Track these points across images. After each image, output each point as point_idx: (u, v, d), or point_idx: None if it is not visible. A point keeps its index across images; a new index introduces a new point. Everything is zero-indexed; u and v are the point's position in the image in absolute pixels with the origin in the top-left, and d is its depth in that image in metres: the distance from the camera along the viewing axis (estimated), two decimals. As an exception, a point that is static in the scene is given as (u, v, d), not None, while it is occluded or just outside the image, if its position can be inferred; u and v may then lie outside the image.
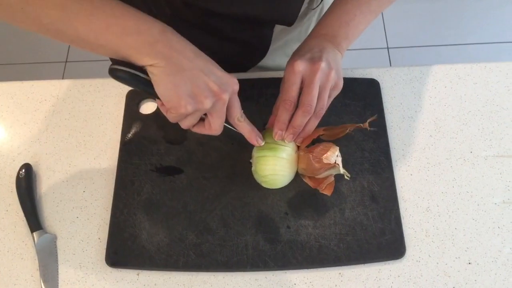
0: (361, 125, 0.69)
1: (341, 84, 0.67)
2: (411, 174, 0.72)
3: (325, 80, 0.64)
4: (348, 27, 0.69)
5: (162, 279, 0.67)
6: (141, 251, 0.68)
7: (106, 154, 0.77)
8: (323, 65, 0.63)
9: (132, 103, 0.80)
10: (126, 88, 0.81)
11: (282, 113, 0.65)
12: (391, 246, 0.67)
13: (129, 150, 0.75)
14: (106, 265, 0.68)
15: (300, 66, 0.64)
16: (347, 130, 0.69)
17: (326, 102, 0.65)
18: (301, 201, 0.70)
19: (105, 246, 0.69)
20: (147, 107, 0.80)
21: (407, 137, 0.75)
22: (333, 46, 0.68)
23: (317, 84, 0.63)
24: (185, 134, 0.77)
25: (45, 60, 1.99)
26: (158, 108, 0.79)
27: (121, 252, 0.68)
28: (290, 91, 0.64)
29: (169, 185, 0.73)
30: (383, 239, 0.67)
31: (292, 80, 0.64)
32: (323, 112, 0.66)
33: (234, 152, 0.74)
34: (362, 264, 0.67)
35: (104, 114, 0.80)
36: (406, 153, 0.74)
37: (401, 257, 0.66)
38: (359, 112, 0.77)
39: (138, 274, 0.68)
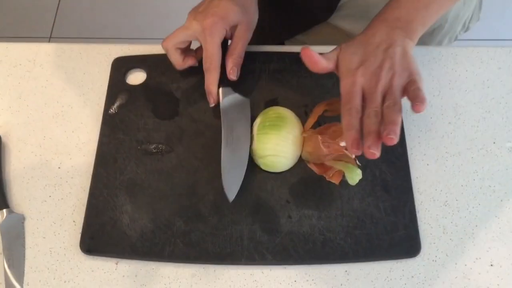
0: None
1: (413, 73, 0.55)
2: (427, 164, 0.65)
3: (389, 85, 0.54)
4: (427, 12, 0.59)
5: (144, 270, 0.59)
6: (122, 237, 0.60)
7: (86, 127, 0.68)
8: (383, 74, 0.55)
9: (119, 72, 0.71)
10: (112, 55, 0.73)
11: (350, 120, 0.54)
12: (405, 243, 0.59)
13: (112, 124, 0.67)
14: (81, 251, 0.59)
15: (359, 81, 0.55)
16: None
17: (397, 96, 0.53)
18: (305, 189, 0.63)
19: (80, 230, 0.60)
20: (135, 77, 0.71)
21: (423, 123, 0.68)
22: (405, 35, 0.58)
23: (379, 94, 0.54)
24: (176, 108, 0.68)
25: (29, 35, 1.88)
26: (147, 79, 0.70)
27: (99, 237, 0.60)
28: (353, 100, 0.55)
29: (156, 165, 0.64)
30: (395, 235, 0.60)
31: (352, 93, 0.55)
32: (397, 104, 0.53)
33: (231, 131, 0.66)
34: (372, 262, 0.59)
35: (86, 83, 0.71)
36: (422, 140, 0.67)
37: (416, 256, 0.59)
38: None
39: (116, 263, 0.59)
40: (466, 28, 0.86)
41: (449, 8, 0.61)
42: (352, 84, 0.55)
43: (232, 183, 0.60)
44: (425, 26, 0.60)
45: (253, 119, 0.65)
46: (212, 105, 0.66)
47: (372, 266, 0.59)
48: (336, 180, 0.61)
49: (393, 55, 0.56)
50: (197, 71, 0.70)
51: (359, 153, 0.52)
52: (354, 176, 0.59)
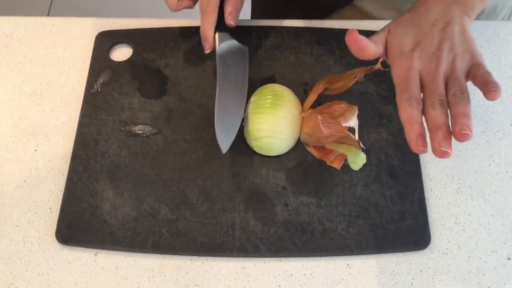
0: (373, 66, 0.54)
1: (476, 55, 0.48)
2: None
3: (450, 70, 0.47)
4: None
5: (125, 261, 0.54)
6: (102, 226, 0.54)
7: (66, 107, 0.62)
8: (444, 57, 0.47)
9: (102, 47, 0.65)
10: (95, 30, 0.67)
11: (411, 112, 0.46)
12: (413, 234, 0.54)
13: (94, 103, 0.62)
14: (57, 241, 0.54)
15: (416, 65, 0.48)
16: (356, 78, 0.55)
17: (463, 83, 0.46)
18: (303, 174, 0.57)
19: (56, 218, 0.55)
20: (120, 53, 0.66)
21: None
22: (463, 11, 0.50)
23: (441, 81, 0.47)
24: (164, 87, 0.63)
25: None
26: (133, 54, 0.65)
27: (76, 226, 0.55)
28: (411, 88, 0.47)
29: (141, 147, 0.59)
30: (403, 225, 0.54)
31: (409, 79, 0.48)
32: (465, 92, 0.46)
33: (224, 111, 0.61)
34: (376, 254, 0.54)
35: (67, 59, 0.66)
36: None
37: (425, 248, 0.54)
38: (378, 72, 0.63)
39: (95, 255, 0.54)
40: None
41: None
42: (408, 69, 0.48)
43: (226, 132, 0.55)
44: (484, 1, 0.52)
45: (247, 96, 0.59)
46: (207, 51, 0.60)
47: (376, 259, 0.54)
48: (337, 165, 0.55)
49: (452, 34, 0.48)
50: (187, 47, 0.64)
51: (426, 151, 0.44)
52: (358, 160, 0.54)
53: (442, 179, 0.58)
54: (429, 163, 0.59)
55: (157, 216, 0.55)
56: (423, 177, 0.57)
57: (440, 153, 0.43)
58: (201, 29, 0.59)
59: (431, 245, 0.54)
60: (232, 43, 0.61)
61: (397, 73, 0.48)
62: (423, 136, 0.44)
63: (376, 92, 0.62)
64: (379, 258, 0.54)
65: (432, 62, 0.47)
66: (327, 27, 0.67)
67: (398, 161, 0.58)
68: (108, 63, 0.64)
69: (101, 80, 0.63)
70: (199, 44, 0.59)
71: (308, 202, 0.56)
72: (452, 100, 0.45)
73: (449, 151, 0.43)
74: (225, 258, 0.54)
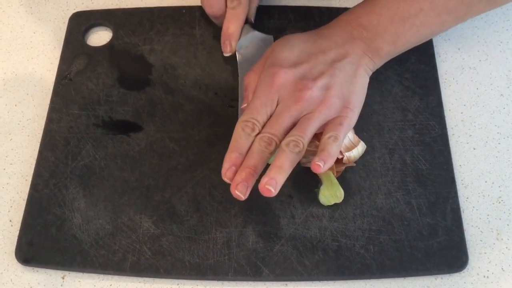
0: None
1: (351, 117, 0.44)
2: (474, 148, 0.51)
3: (308, 111, 0.43)
4: (403, 27, 0.46)
5: (99, 286, 0.45)
6: (71, 242, 0.46)
7: (33, 100, 0.54)
8: (310, 94, 0.43)
9: (77, 30, 0.57)
10: (70, 10, 0.59)
11: (239, 138, 0.44)
12: (446, 253, 0.45)
13: (66, 95, 0.53)
14: (17, 261, 0.46)
15: (277, 88, 0.44)
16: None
17: (306, 134, 0.42)
18: (313, 180, 0.48)
19: (17, 233, 0.47)
20: (98, 37, 0.58)
21: (468, 95, 0.54)
22: (366, 51, 0.47)
23: (287, 117, 0.43)
24: (148, 76, 0.54)
25: None
26: (112, 39, 0.56)
27: (40, 242, 0.46)
28: (257, 111, 0.44)
29: (120, 148, 0.50)
30: (433, 242, 0.46)
31: (261, 99, 0.44)
32: (299, 145, 0.42)
33: (218, 105, 0.53)
34: (402, 278, 0.45)
35: (36, 44, 0.58)
36: (466, 117, 0.52)
37: (461, 270, 0.45)
38: (399, 57, 0.54)
39: (63, 278, 0.46)
40: None
41: (436, 31, 0.49)
42: (268, 88, 0.44)
43: None
44: (397, 46, 0.47)
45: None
46: (227, 54, 0.53)
47: (402, 283, 0.45)
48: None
49: (338, 72, 0.45)
50: (176, 30, 0.56)
51: (234, 187, 0.41)
52: (330, 195, 0.46)
53: (479, 186, 0.49)
54: (463, 166, 0.50)
55: (138, 230, 0.46)
56: (457, 184, 0.48)
57: (235, 195, 0.41)
58: (224, 26, 0.53)
59: (469, 267, 0.46)
60: (253, 35, 0.54)
61: (259, 82, 0.45)
62: (236, 167, 0.42)
63: (398, 82, 0.53)
64: (405, 282, 0.45)
65: (295, 94, 0.43)
66: (339, 6, 0.59)
67: (427, 164, 0.49)
68: (83, 49, 0.56)
69: (74, 68, 0.55)
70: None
71: (319, 214, 0.47)
72: (282, 146, 0.42)
73: (242, 196, 0.41)
74: (219, 282, 0.45)
